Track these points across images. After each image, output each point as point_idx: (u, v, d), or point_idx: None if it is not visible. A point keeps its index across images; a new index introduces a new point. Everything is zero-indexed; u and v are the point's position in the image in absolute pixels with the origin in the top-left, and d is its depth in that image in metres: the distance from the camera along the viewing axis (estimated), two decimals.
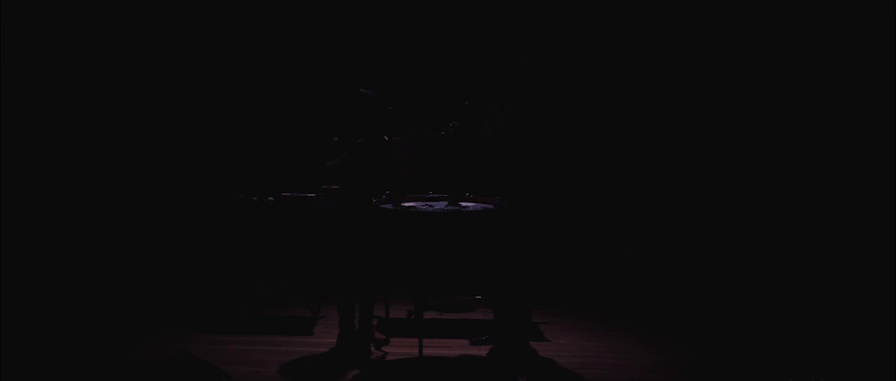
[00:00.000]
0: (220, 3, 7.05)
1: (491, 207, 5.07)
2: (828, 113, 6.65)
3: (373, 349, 5.31)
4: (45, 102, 6.87)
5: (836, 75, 6.61)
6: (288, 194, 6.07)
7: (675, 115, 6.97)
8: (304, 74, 7.10)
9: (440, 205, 5.17)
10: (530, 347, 5.28)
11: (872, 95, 6.49)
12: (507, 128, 5.06)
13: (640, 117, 7.01)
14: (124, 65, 7.01)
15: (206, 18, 7.04)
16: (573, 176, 6.78)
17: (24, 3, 6.75)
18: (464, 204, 5.16)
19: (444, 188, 5.42)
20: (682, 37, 6.91)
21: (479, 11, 7.03)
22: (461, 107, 5.21)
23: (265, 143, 7.08)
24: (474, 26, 7.04)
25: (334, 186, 5.35)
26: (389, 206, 5.06)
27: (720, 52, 6.84)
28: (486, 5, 7.03)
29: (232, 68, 7.08)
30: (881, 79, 6.42)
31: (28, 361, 4.99)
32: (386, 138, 5.20)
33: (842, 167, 6.59)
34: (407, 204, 5.17)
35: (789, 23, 6.70)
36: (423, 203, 5.20)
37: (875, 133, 6.46)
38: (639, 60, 6.98)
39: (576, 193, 6.89)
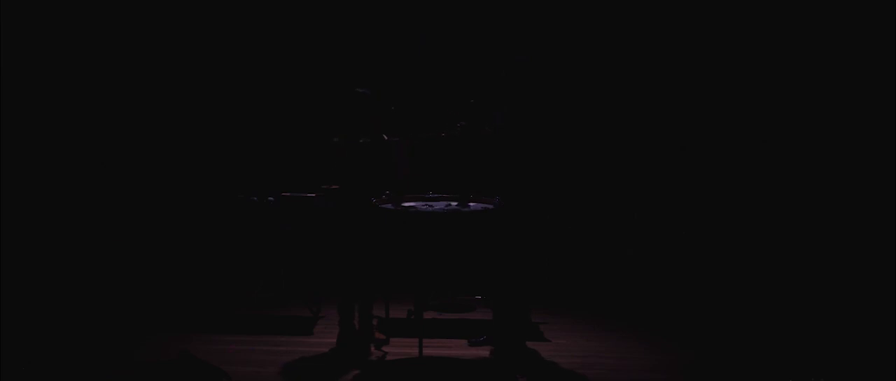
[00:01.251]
0: (220, 3, 7.05)
1: (491, 207, 5.07)
2: (828, 113, 6.65)
3: (373, 349, 5.31)
4: (45, 102, 6.87)
5: (835, 75, 6.61)
6: (288, 194, 6.07)
7: (675, 115, 6.97)
8: (305, 74, 7.10)
9: (440, 205, 5.17)
10: (528, 347, 5.28)
11: (872, 95, 6.48)
12: (507, 128, 5.06)
13: (640, 117, 7.01)
14: (124, 65, 7.01)
15: (206, 18, 7.04)
16: (573, 176, 6.78)
17: (24, 3, 6.74)
18: (467, 204, 5.16)
19: (445, 188, 5.42)
20: (682, 37, 6.91)
21: (479, 12, 7.03)
22: (468, 106, 5.21)
23: (265, 143, 7.08)
24: (474, 26, 7.04)
25: (334, 187, 5.35)
26: (389, 206, 5.06)
27: (720, 52, 6.84)
28: (486, 5, 7.03)
29: (232, 68, 7.08)
30: (881, 79, 6.42)
31: (28, 361, 4.99)
32: (385, 138, 5.20)
33: (842, 167, 6.59)
34: (407, 204, 5.17)
35: (789, 23, 6.70)
36: (423, 203, 5.21)
37: (875, 133, 6.46)
38: (639, 61, 6.98)
39: (576, 193, 6.89)
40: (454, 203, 5.18)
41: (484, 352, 5.27)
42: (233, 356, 5.13)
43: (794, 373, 4.83)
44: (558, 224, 6.71)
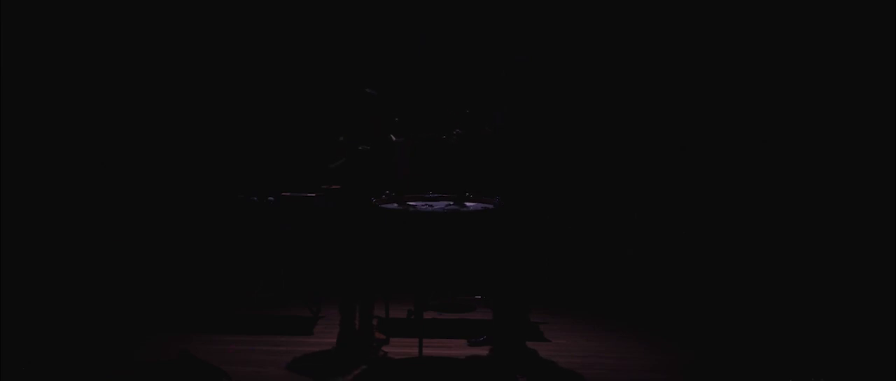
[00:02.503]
0: (221, 3, 7.05)
1: (491, 206, 5.06)
2: (828, 113, 6.65)
3: (373, 348, 5.31)
4: (45, 102, 6.87)
5: (835, 75, 6.61)
6: (288, 193, 6.07)
7: (675, 115, 6.98)
8: (305, 74, 7.10)
9: (440, 205, 5.17)
10: (528, 347, 5.28)
11: (872, 95, 6.49)
12: (507, 128, 5.06)
13: (640, 117, 7.01)
14: (124, 65, 7.01)
15: (207, 18, 7.04)
16: (573, 176, 6.79)
17: (24, 3, 6.75)
18: (465, 204, 5.16)
19: (444, 188, 5.42)
20: (682, 37, 6.91)
21: (479, 12, 7.03)
22: (463, 114, 5.22)
23: (265, 143, 7.09)
24: (474, 26, 7.04)
25: (335, 186, 5.35)
26: (389, 206, 5.06)
27: (720, 52, 6.84)
28: (486, 5, 7.03)
29: (233, 68, 7.08)
30: (881, 79, 6.42)
31: (28, 361, 4.99)
32: (393, 138, 5.21)
33: (842, 167, 6.59)
34: (407, 204, 5.17)
35: (789, 23, 6.70)
36: (423, 203, 5.21)
37: (875, 133, 6.46)
38: (638, 61, 6.98)
39: (576, 193, 6.89)
40: (453, 203, 5.19)
41: (484, 352, 5.27)
42: (233, 356, 5.13)
43: (794, 373, 4.83)
44: (558, 224, 6.71)
